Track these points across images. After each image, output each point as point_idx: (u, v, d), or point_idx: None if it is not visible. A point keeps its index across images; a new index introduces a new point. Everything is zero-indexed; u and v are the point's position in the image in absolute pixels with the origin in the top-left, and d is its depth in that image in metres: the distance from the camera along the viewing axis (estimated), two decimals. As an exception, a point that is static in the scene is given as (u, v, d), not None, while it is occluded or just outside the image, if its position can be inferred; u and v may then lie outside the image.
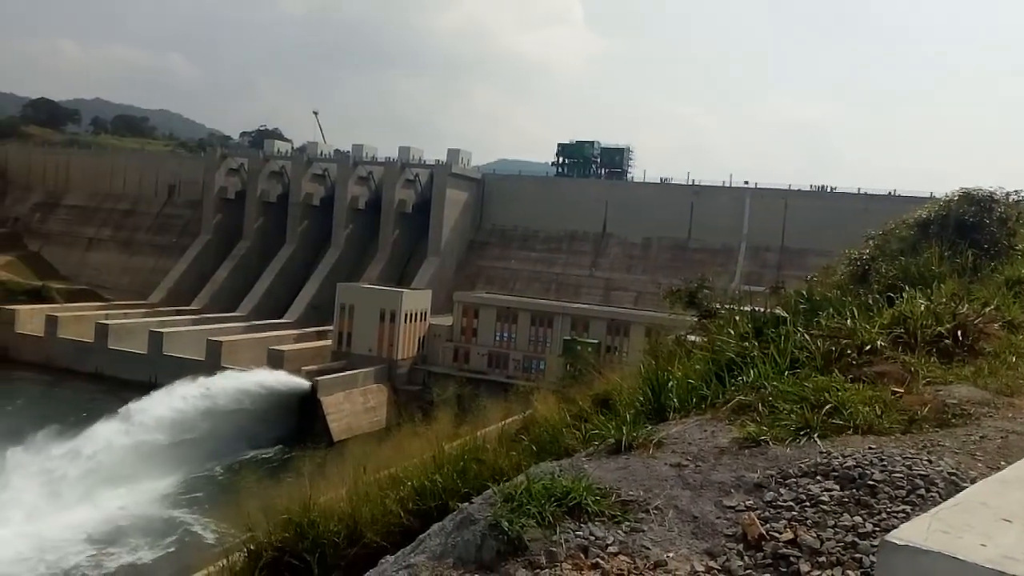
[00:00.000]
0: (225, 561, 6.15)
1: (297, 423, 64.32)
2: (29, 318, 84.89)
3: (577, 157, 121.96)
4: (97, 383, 75.76)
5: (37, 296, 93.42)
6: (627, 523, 3.57)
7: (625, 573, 3.22)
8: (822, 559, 3.28)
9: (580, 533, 3.45)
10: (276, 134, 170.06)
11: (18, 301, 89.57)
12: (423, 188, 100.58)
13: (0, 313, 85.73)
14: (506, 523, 3.40)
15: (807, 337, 6.04)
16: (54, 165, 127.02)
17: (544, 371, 68.53)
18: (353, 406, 68.75)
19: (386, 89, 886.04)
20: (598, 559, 3.31)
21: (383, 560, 3.87)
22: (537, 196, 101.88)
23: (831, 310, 6.94)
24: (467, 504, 3.77)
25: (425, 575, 3.27)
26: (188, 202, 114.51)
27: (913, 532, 2.16)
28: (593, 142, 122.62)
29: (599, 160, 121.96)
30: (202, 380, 61.29)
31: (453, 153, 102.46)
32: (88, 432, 52.49)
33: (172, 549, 42.52)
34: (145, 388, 63.20)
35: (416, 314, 76.48)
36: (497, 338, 77.11)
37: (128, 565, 40.72)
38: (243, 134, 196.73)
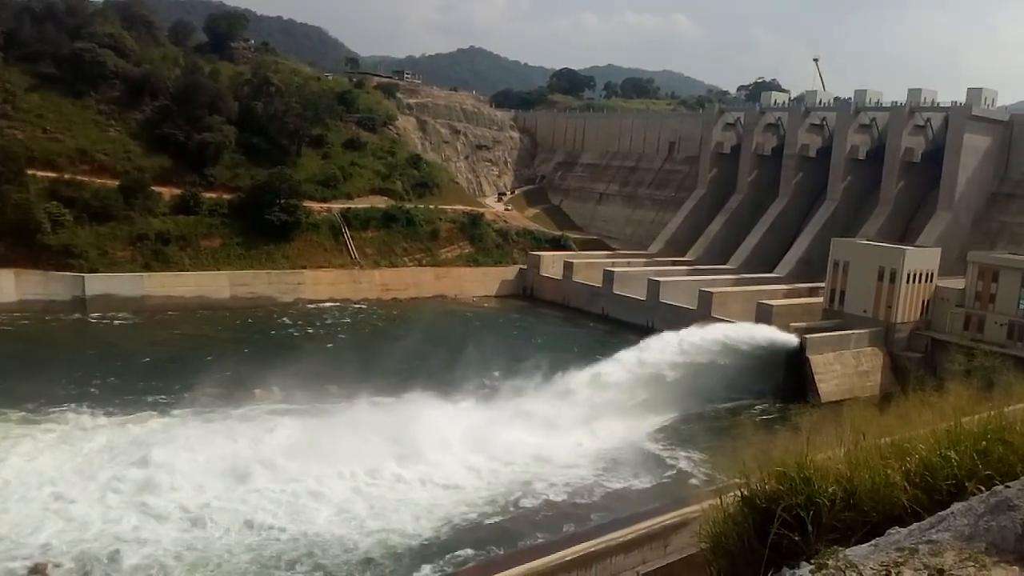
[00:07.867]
0: (719, 500, 6.38)
1: (783, 378, 63.80)
2: (551, 263, 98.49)
3: None
4: (603, 323, 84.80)
5: (557, 244, 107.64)
6: None
7: None
8: None
9: None
10: (773, 86, 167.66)
11: (542, 248, 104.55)
12: (935, 134, 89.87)
13: (529, 258, 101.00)
14: (1055, 516, 2.97)
15: None
16: (572, 128, 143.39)
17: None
18: (844, 368, 65.56)
19: (896, 29, 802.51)
20: None
21: (892, 530, 3.67)
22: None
23: None
24: (1002, 488, 3.36)
25: (950, 555, 3.03)
26: (686, 158, 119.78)
27: None
28: None
29: None
30: (696, 328, 64.10)
31: (974, 93, 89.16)
32: (602, 365, 58.91)
33: (664, 481, 45.68)
34: (642, 331, 68.55)
35: (920, 274, 69.24)
36: (1022, 307, 66.01)
37: (624, 489, 44.81)
38: (740, 88, 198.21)
